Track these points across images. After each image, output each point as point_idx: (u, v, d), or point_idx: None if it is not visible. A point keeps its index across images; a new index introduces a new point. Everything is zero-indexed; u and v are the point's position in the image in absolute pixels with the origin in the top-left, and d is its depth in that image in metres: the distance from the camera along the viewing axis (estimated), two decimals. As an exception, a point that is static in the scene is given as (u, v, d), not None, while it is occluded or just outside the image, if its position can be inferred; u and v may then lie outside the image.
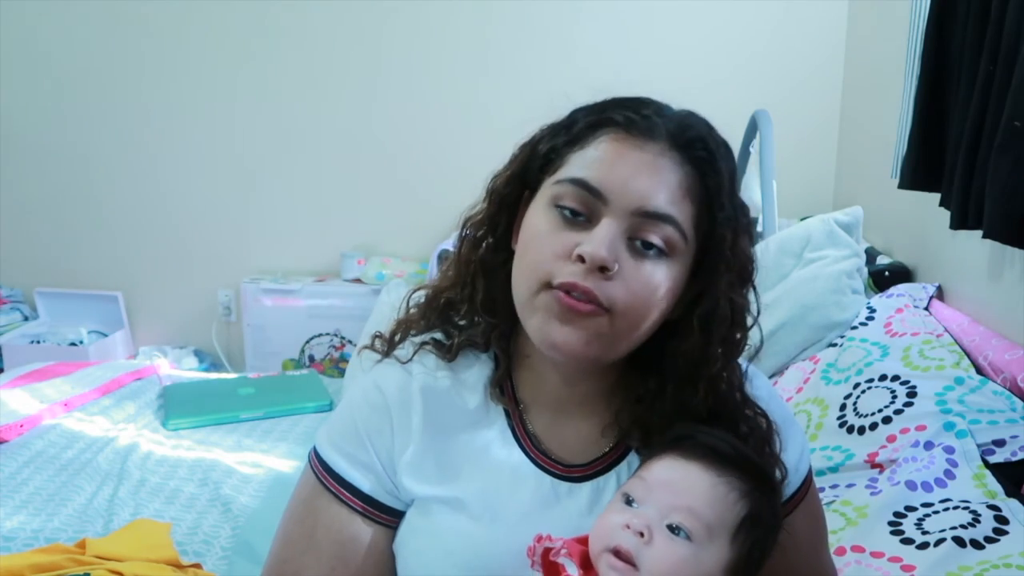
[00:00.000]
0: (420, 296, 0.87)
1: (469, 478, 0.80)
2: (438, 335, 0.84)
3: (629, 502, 0.72)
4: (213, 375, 2.51)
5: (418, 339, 0.85)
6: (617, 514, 0.71)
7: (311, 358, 3.16)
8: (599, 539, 0.71)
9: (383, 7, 3.00)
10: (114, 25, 3.10)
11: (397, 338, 0.85)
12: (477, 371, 0.83)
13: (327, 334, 3.14)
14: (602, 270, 0.70)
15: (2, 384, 2.06)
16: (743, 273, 0.78)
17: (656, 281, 0.72)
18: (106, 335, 3.25)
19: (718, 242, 0.75)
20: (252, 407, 2.07)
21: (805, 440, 0.87)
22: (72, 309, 3.31)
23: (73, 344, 3.12)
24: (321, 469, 0.83)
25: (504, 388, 0.82)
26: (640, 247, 0.72)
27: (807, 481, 0.87)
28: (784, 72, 2.86)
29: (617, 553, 0.68)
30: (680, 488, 0.71)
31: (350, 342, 3.12)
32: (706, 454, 0.72)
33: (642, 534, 0.68)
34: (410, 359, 0.83)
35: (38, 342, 3.13)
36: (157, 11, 3.06)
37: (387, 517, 0.82)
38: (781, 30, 2.86)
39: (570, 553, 0.71)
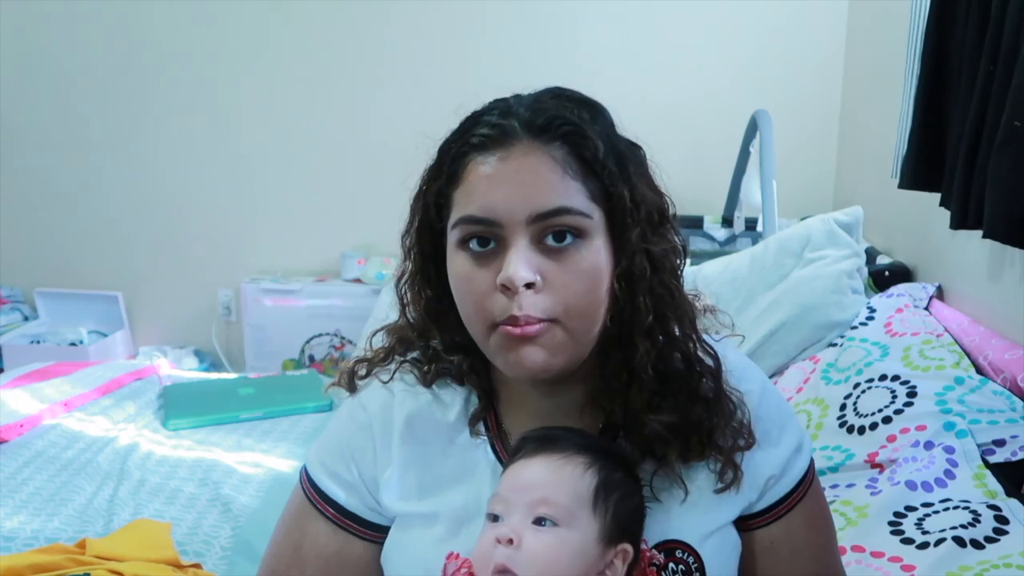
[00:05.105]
0: (381, 337, 0.88)
1: (449, 492, 0.80)
2: (417, 354, 0.85)
3: (496, 519, 0.73)
4: (213, 375, 2.51)
5: (399, 358, 0.85)
6: (488, 532, 0.72)
7: (311, 358, 3.16)
8: (481, 565, 0.71)
9: (383, 8, 3.00)
10: (114, 25, 3.10)
11: (361, 373, 0.86)
12: (453, 391, 0.84)
13: (327, 334, 3.14)
14: (529, 287, 0.70)
15: (2, 384, 2.05)
16: (652, 218, 0.76)
17: (583, 268, 0.72)
18: (106, 335, 3.25)
19: (617, 200, 0.73)
20: (252, 407, 2.07)
21: (804, 440, 0.84)
22: (72, 309, 3.31)
23: (73, 344, 3.12)
24: (309, 486, 0.84)
25: (487, 420, 0.82)
26: (553, 245, 0.72)
27: (804, 483, 0.83)
28: (784, 72, 2.86)
29: (500, 570, 0.69)
30: (530, 485, 0.72)
31: (350, 342, 3.12)
32: (540, 446, 0.75)
33: (511, 540, 0.69)
34: (391, 378, 0.84)
35: (38, 342, 3.13)
36: (158, 11, 3.07)
37: (371, 533, 0.83)
38: (781, 30, 2.86)
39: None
